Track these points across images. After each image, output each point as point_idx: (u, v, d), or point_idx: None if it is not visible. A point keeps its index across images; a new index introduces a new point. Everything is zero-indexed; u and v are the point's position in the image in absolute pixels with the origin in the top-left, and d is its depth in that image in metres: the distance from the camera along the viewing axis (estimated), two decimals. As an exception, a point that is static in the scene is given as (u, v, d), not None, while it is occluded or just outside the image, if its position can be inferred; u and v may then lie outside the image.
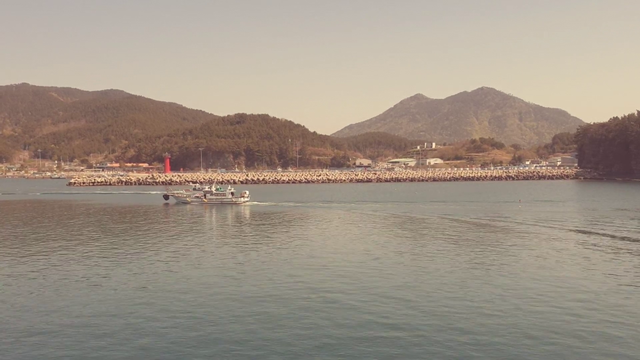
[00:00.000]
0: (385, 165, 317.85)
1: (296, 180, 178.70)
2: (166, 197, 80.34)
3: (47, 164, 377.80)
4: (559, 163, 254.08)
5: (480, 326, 17.10)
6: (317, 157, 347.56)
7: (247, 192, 75.91)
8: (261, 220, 52.23)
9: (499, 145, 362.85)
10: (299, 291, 21.83)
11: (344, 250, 32.35)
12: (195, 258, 30.12)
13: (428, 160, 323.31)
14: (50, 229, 46.11)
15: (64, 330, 17.26)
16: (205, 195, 74.61)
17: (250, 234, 40.88)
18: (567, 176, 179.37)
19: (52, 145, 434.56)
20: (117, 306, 19.88)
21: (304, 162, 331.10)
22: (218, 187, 79.78)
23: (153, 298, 21.07)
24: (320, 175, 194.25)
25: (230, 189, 76.43)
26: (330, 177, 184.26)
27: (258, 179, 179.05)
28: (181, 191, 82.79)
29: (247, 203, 72.63)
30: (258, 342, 15.87)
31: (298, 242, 36.17)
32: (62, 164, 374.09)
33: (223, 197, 73.99)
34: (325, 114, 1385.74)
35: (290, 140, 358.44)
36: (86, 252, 32.44)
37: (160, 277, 24.90)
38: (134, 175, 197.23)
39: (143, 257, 30.43)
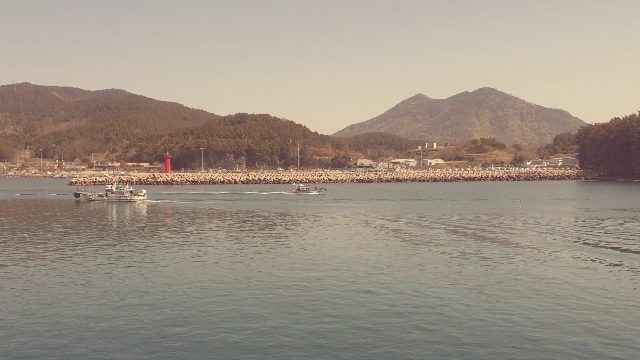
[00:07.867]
0: (386, 166, 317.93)
1: (297, 180, 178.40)
2: (77, 195, 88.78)
3: (48, 163, 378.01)
4: (560, 164, 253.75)
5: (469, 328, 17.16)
6: (318, 157, 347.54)
7: (144, 191, 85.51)
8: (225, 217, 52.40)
9: (500, 146, 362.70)
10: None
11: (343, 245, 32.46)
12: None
13: (429, 161, 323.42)
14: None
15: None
16: (106, 194, 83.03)
17: (255, 231, 41.02)
18: (568, 177, 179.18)
19: (54, 145, 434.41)
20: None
21: (305, 162, 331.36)
22: (118, 186, 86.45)
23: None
24: (321, 175, 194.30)
25: (128, 188, 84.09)
26: (331, 177, 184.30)
27: (259, 179, 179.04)
28: (92, 190, 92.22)
29: (143, 201, 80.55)
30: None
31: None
32: (64, 163, 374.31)
33: (121, 195, 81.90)
34: (326, 114, 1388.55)
35: (291, 140, 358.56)
36: None
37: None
38: (135, 175, 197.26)
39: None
